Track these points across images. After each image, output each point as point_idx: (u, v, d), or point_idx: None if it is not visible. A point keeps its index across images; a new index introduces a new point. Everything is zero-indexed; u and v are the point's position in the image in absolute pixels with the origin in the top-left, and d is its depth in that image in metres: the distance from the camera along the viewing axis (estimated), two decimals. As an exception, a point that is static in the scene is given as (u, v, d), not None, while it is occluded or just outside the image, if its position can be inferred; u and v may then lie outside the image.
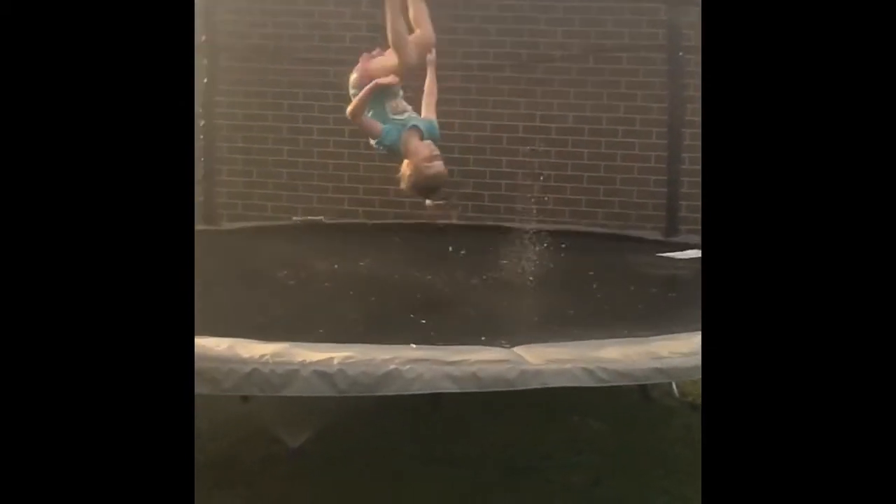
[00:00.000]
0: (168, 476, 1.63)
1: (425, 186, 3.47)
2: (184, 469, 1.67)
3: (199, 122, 5.03)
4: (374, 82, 3.33)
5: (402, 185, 3.46)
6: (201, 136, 5.04)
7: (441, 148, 5.52)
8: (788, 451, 1.65)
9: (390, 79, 3.37)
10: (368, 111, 3.39)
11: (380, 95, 3.39)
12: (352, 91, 3.45)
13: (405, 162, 3.42)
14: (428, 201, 3.70)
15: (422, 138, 3.43)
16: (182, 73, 1.74)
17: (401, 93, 3.50)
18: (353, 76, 3.48)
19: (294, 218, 5.42)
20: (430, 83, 3.61)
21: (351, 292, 3.71)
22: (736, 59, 1.76)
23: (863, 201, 1.69)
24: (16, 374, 1.54)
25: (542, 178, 5.37)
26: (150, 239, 1.67)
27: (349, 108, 3.40)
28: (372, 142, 3.48)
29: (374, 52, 3.54)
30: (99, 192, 1.64)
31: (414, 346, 2.67)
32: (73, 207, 1.62)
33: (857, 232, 1.68)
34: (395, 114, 3.43)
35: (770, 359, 1.67)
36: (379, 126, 3.40)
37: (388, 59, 3.45)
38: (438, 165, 3.40)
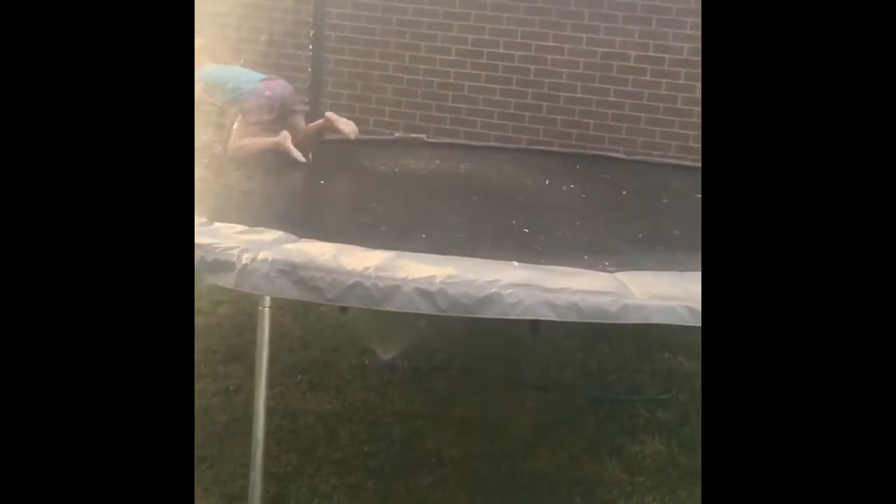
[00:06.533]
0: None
1: None
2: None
3: (310, 32, 5.02)
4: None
5: None
6: (310, 46, 5.04)
7: (549, 73, 5.47)
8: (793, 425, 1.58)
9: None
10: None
11: None
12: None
13: None
14: None
15: None
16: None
17: None
18: None
19: (396, 134, 5.42)
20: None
21: (452, 205, 3.68)
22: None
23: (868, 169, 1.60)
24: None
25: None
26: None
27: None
28: None
29: None
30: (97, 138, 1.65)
31: (516, 263, 2.63)
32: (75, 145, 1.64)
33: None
34: None
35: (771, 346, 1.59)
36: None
37: None
38: None
